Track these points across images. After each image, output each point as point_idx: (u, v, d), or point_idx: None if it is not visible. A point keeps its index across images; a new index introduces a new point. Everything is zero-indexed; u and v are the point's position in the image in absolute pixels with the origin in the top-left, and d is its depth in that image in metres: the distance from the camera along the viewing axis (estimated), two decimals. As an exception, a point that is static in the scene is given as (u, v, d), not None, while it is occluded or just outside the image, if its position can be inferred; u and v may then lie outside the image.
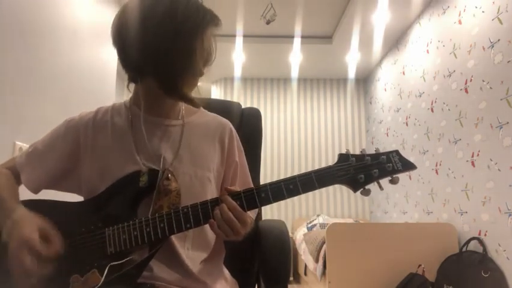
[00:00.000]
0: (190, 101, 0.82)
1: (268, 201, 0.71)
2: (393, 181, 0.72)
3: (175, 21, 0.74)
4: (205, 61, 0.82)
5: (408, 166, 0.72)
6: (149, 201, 0.76)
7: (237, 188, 0.74)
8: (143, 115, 0.85)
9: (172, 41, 0.75)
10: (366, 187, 0.71)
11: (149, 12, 0.76)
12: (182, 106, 0.91)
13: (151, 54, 0.76)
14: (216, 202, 0.72)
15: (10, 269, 0.67)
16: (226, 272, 0.91)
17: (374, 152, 0.74)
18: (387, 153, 0.73)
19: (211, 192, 0.85)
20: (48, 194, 0.84)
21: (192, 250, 0.80)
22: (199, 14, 0.77)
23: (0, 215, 0.72)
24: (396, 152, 0.73)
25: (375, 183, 0.72)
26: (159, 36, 0.75)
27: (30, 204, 0.76)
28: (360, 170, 0.71)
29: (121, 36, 0.79)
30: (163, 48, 0.75)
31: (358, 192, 0.71)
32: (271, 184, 0.72)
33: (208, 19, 0.79)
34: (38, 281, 0.69)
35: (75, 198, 0.84)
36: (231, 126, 0.95)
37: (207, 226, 0.73)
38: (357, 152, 0.73)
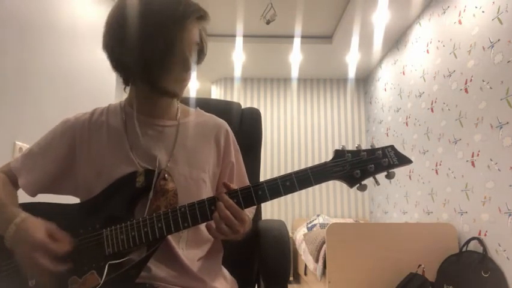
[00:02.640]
0: (175, 96, 0.81)
1: (265, 199, 0.71)
2: (389, 176, 0.72)
3: (152, 12, 0.73)
4: (190, 54, 0.78)
5: (403, 160, 0.72)
6: (146, 202, 0.76)
7: (234, 187, 0.73)
8: (136, 116, 0.84)
9: (151, 32, 0.73)
10: (363, 182, 0.71)
11: (130, 7, 0.76)
12: (178, 107, 0.91)
13: (133, 48, 0.75)
14: (213, 200, 0.72)
15: (26, 272, 0.70)
16: (224, 270, 0.91)
17: (369, 148, 0.74)
18: (383, 148, 0.73)
19: (207, 193, 0.84)
20: (44, 199, 0.83)
21: (186, 249, 0.80)
22: (179, 6, 0.75)
23: (0, 220, 0.72)
24: (392, 147, 0.74)
25: (372, 178, 0.72)
26: (138, 29, 0.74)
27: (27, 208, 0.76)
28: (356, 166, 0.72)
29: (108, 37, 0.78)
30: (142, 40, 0.73)
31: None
32: (267, 181, 0.72)
33: (190, 10, 0.76)
34: (38, 283, 0.70)
35: (71, 201, 0.84)
36: (227, 126, 0.94)
37: (202, 225, 0.73)
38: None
